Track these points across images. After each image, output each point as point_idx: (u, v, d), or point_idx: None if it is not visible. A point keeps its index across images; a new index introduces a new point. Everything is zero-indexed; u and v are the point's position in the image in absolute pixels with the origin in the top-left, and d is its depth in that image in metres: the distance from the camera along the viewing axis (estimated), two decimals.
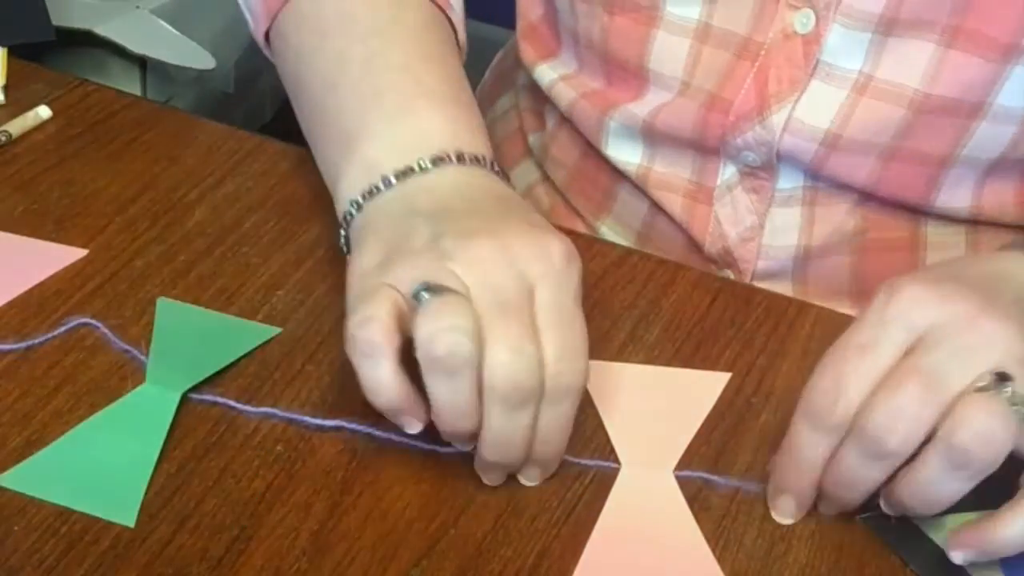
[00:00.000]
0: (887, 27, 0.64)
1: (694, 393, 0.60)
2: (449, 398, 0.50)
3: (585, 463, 0.56)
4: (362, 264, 0.54)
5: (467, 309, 0.50)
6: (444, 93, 0.62)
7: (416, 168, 0.57)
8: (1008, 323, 0.51)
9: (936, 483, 0.50)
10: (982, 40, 0.63)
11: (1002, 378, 0.49)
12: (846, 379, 0.51)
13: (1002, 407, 0.48)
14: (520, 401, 0.50)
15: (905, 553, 0.53)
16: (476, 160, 0.59)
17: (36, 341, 0.60)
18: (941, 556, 0.53)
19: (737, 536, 0.54)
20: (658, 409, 0.59)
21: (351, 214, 0.59)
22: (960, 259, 0.59)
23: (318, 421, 0.57)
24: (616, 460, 0.56)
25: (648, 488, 0.55)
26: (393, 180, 0.57)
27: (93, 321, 0.61)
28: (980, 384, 0.49)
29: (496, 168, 0.60)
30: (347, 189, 0.59)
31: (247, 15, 0.72)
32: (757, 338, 0.64)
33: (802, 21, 0.66)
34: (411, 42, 0.64)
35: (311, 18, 0.66)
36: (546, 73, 0.78)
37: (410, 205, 0.56)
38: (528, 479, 0.55)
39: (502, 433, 0.51)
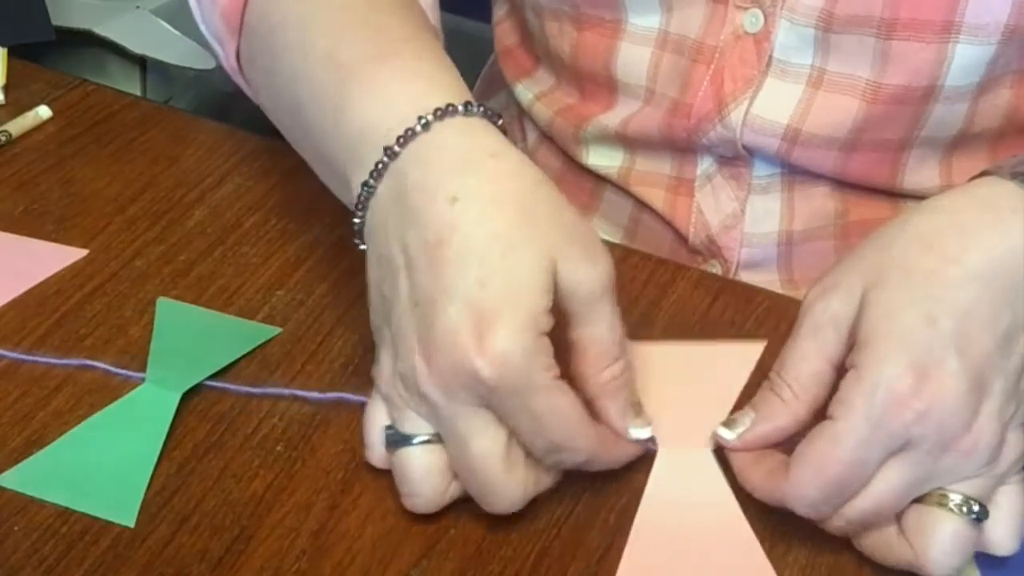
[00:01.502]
0: (827, 23, 0.65)
1: (729, 366, 0.59)
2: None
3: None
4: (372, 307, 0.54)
5: (422, 470, 0.51)
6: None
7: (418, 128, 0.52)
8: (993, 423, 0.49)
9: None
10: (918, 25, 0.63)
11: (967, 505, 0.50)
12: (838, 492, 0.49)
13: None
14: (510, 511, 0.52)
15: None
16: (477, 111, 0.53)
17: (40, 359, 0.60)
18: None
19: None
20: (693, 387, 0.58)
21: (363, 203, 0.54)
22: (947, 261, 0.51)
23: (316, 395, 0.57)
24: (653, 442, 0.55)
25: (688, 470, 0.55)
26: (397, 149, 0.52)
27: (91, 362, 0.59)
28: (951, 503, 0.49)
29: (492, 116, 0.54)
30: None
31: (214, 47, 0.68)
32: (758, 338, 0.63)
33: (751, 20, 0.67)
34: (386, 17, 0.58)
35: (270, 25, 0.61)
36: (524, 93, 0.80)
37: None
38: None
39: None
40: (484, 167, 0.50)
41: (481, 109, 0.52)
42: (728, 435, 0.53)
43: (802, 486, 0.49)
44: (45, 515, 0.53)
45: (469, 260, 0.48)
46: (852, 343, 0.50)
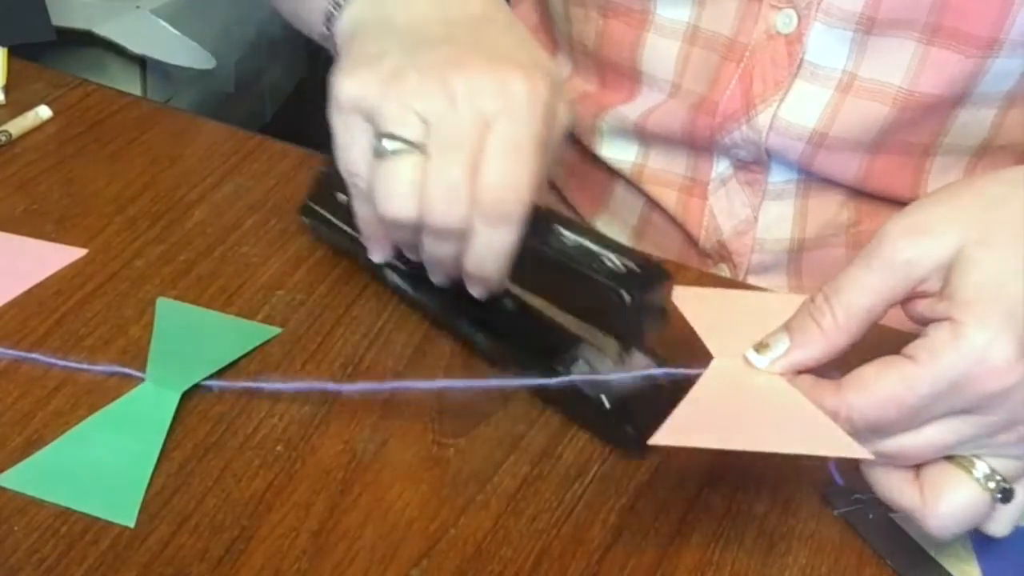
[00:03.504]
0: (867, 26, 0.65)
1: (780, 314, 0.53)
2: (393, 233, 0.57)
3: (672, 371, 0.53)
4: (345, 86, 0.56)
5: (413, 172, 0.53)
6: None
7: None
8: None
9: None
10: (962, 37, 0.63)
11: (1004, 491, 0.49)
12: (887, 427, 0.48)
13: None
14: (447, 235, 0.54)
15: (881, 547, 0.53)
16: None
17: (40, 359, 0.60)
18: (917, 551, 0.53)
19: (737, 536, 0.54)
20: (746, 321, 0.53)
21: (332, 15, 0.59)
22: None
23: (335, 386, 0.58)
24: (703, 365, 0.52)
25: (744, 370, 0.51)
26: None
27: (91, 362, 0.59)
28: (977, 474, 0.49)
29: None
30: None
31: None
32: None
33: (784, 21, 0.67)
34: None
35: None
36: None
37: (388, 20, 0.57)
38: (474, 292, 0.57)
39: (433, 255, 0.56)
40: None
41: None
42: (760, 360, 0.50)
43: (854, 409, 0.48)
44: (45, 515, 0.53)
45: (512, 30, 0.57)
46: (922, 292, 0.48)
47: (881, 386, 0.47)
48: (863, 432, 0.48)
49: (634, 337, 0.54)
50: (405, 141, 0.53)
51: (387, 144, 0.53)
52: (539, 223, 0.54)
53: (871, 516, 0.54)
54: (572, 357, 0.58)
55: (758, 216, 0.73)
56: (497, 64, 0.54)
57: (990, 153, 0.69)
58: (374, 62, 0.55)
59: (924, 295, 0.48)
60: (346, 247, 0.64)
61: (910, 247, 0.48)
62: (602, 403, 0.56)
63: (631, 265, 0.53)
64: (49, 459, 0.55)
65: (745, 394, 0.50)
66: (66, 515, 0.53)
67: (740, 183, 0.72)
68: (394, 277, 0.63)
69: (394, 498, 0.54)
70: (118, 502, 0.53)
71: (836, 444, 0.48)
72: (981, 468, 0.49)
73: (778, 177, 0.72)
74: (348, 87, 0.54)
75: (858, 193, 0.71)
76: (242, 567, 0.51)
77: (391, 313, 0.63)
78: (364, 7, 0.59)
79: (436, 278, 0.58)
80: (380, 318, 0.63)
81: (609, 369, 0.56)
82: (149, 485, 0.54)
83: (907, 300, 0.49)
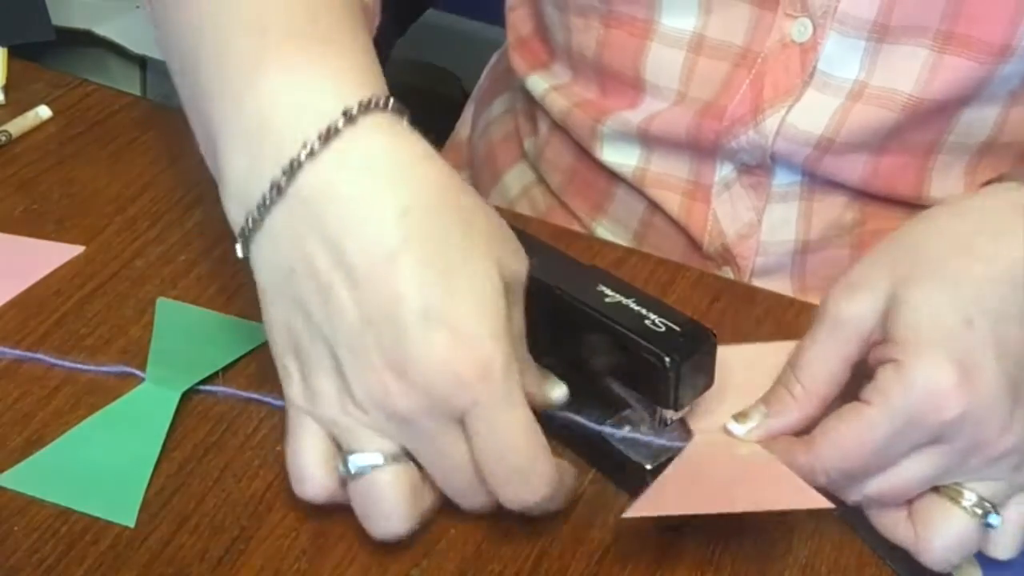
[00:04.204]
0: (881, 33, 0.64)
1: (768, 364, 0.56)
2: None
3: (661, 442, 0.54)
4: (276, 351, 0.50)
5: (395, 491, 0.49)
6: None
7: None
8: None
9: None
10: (975, 44, 0.63)
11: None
12: (859, 473, 0.50)
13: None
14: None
15: (881, 547, 0.53)
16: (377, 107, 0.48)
17: (41, 359, 0.59)
18: None
19: (737, 536, 0.54)
20: (732, 386, 0.56)
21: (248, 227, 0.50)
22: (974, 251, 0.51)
23: None
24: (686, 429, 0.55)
25: (722, 441, 0.53)
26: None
27: (91, 362, 0.60)
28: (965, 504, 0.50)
29: (403, 112, 0.50)
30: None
31: None
32: (757, 338, 0.63)
33: (799, 30, 0.66)
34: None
35: None
36: (538, 83, 0.79)
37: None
38: None
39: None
40: (422, 173, 0.48)
41: (397, 104, 0.49)
42: (738, 429, 0.53)
43: (824, 461, 0.50)
44: (45, 515, 0.53)
45: (429, 272, 0.46)
46: (874, 342, 0.50)
47: (843, 434, 0.49)
48: (841, 481, 0.50)
49: (676, 401, 0.52)
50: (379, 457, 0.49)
51: (356, 461, 0.49)
52: (582, 282, 0.54)
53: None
54: (618, 421, 0.55)
55: (762, 219, 0.72)
56: (440, 348, 0.46)
57: (992, 151, 0.69)
58: (304, 354, 0.49)
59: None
60: None
61: (850, 305, 0.51)
62: (642, 466, 0.54)
63: (674, 326, 0.52)
64: (49, 459, 0.55)
65: (721, 463, 0.52)
66: (66, 515, 0.53)
67: (744, 186, 0.72)
68: None
69: None
70: (118, 502, 0.53)
71: (801, 497, 0.50)
72: (969, 497, 0.50)
73: (782, 180, 0.71)
74: (290, 392, 0.50)
75: (862, 194, 0.71)
76: (242, 567, 0.51)
77: None
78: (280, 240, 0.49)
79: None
80: None
81: (651, 434, 0.55)
82: (149, 485, 0.54)
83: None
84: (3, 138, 0.73)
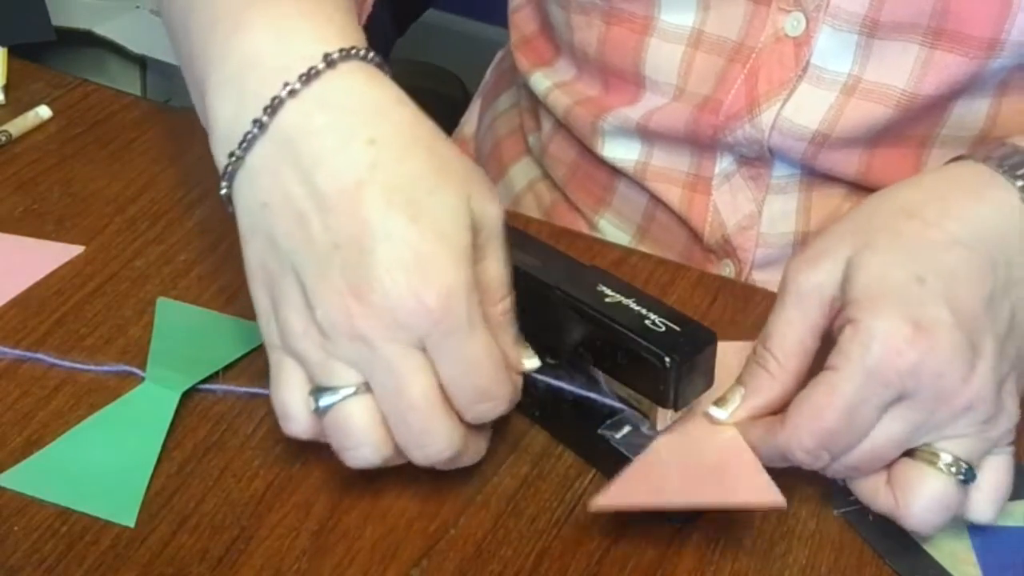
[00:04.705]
0: (871, 28, 0.65)
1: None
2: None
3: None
4: (253, 292, 0.52)
5: (364, 420, 0.49)
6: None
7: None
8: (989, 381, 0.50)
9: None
10: (964, 39, 0.63)
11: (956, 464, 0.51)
12: (833, 440, 0.50)
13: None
14: (442, 463, 0.51)
15: (881, 547, 0.53)
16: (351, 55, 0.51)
17: (41, 359, 0.60)
18: (917, 551, 0.53)
19: (737, 536, 0.54)
20: (729, 383, 0.56)
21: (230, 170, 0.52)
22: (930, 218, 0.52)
23: None
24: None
25: (695, 430, 0.54)
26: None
27: (91, 362, 0.60)
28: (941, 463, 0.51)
29: (384, 65, 0.53)
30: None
31: None
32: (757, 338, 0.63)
33: (793, 24, 0.67)
34: None
35: None
36: (541, 81, 0.79)
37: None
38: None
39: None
40: (395, 113, 0.51)
41: (377, 57, 0.52)
42: (720, 413, 0.54)
43: (799, 433, 0.50)
44: (45, 515, 0.53)
45: (396, 199, 0.48)
46: (837, 309, 0.51)
47: (813, 401, 0.50)
48: (818, 452, 0.51)
49: (676, 401, 0.52)
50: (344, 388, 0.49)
51: (326, 395, 0.49)
52: (582, 282, 0.54)
53: (871, 516, 0.54)
54: (617, 422, 0.56)
55: (762, 211, 0.73)
56: (405, 271, 0.47)
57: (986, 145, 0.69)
58: (279, 292, 0.50)
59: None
60: None
61: (813, 274, 0.52)
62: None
63: (674, 326, 0.52)
64: (49, 459, 0.55)
65: (691, 455, 0.53)
66: (66, 515, 0.53)
67: (744, 178, 0.72)
68: None
69: (394, 498, 0.54)
70: (118, 502, 0.53)
71: (760, 494, 0.51)
72: (945, 458, 0.51)
73: (781, 172, 0.72)
74: (265, 331, 0.51)
75: (860, 187, 0.71)
76: (242, 567, 0.51)
77: None
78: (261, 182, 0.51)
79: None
80: None
81: (651, 434, 0.55)
82: (149, 485, 0.54)
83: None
84: (3, 138, 0.73)
